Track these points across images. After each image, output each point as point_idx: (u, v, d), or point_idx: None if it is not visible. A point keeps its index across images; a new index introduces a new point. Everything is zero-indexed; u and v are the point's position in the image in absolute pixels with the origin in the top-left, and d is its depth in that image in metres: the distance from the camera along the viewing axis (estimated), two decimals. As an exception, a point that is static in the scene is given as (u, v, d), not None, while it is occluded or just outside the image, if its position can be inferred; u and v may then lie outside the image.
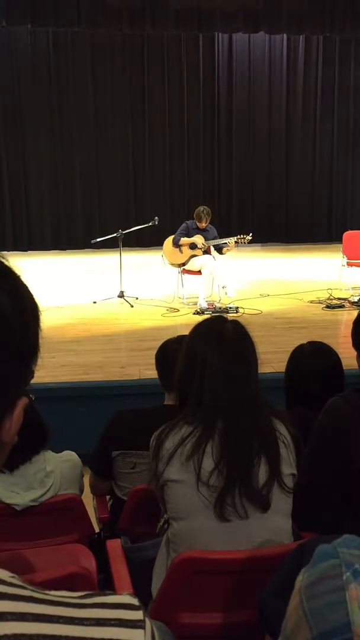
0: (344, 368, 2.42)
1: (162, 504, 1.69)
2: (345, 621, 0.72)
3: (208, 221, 6.88)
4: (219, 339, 1.67)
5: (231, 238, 6.94)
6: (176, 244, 6.88)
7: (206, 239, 6.88)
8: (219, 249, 6.91)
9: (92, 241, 7.43)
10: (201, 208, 6.89)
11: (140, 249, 10.36)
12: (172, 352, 2.34)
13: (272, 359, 3.86)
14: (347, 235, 7.96)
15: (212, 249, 6.95)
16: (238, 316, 6.17)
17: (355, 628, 0.72)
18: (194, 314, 6.36)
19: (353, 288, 7.19)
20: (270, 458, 1.60)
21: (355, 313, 1.99)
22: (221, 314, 1.89)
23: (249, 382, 1.65)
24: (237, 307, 6.43)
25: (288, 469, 1.63)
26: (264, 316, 6.30)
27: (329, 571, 0.77)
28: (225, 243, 6.86)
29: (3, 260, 0.62)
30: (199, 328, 1.76)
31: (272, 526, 1.60)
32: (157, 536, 1.88)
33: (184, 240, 6.85)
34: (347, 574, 0.75)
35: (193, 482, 1.57)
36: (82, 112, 11.21)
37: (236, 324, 1.72)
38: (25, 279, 0.63)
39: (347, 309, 6.57)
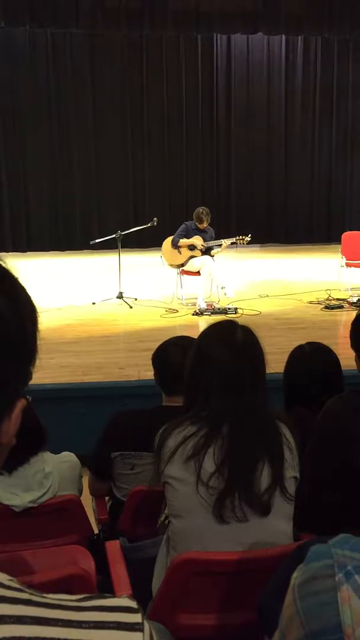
0: (343, 369, 2.42)
1: (164, 501, 1.70)
2: (336, 622, 0.73)
3: (208, 222, 6.89)
4: (229, 344, 1.68)
5: (229, 239, 6.94)
6: (175, 245, 6.88)
7: (204, 240, 6.88)
8: (208, 251, 6.89)
9: (91, 242, 7.44)
10: (200, 209, 6.89)
11: (139, 250, 10.36)
12: (171, 354, 2.34)
13: (271, 360, 3.85)
14: (346, 235, 7.97)
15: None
16: (237, 317, 6.18)
17: (346, 628, 0.73)
18: (193, 314, 6.37)
19: (352, 289, 7.20)
20: (273, 464, 1.59)
21: (354, 314, 2.00)
22: (232, 319, 1.88)
23: (257, 387, 1.66)
24: (236, 308, 6.43)
25: (291, 472, 1.63)
26: (263, 317, 6.30)
27: (321, 571, 0.77)
28: (220, 245, 6.86)
29: (0, 262, 0.61)
30: (210, 331, 1.77)
31: (272, 529, 1.59)
32: (156, 534, 1.88)
33: (183, 241, 6.85)
34: (339, 575, 0.76)
35: (193, 481, 1.57)
36: (81, 113, 11.21)
37: (246, 329, 1.73)
38: (24, 280, 0.63)
39: (346, 309, 6.58)
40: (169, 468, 1.61)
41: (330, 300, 6.89)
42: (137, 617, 0.56)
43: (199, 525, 1.58)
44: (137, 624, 0.55)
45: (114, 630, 0.54)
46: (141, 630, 0.55)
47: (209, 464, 1.57)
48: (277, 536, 1.60)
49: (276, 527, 1.60)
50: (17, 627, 0.50)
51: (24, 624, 0.51)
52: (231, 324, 1.76)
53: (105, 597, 0.57)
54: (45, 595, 0.55)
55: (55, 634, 0.51)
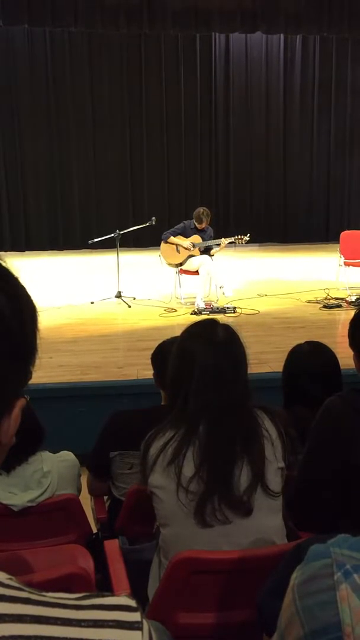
0: (342, 368, 2.42)
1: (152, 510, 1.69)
2: (336, 620, 0.74)
3: (208, 223, 6.88)
4: (209, 342, 1.67)
5: (227, 238, 6.94)
6: (164, 240, 6.87)
7: (203, 239, 6.88)
8: (207, 251, 6.89)
9: (90, 241, 7.43)
10: (201, 210, 6.88)
11: (137, 249, 10.36)
12: (170, 353, 2.34)
13: (270, 359, 3.86)
14: (345, 235, 7.96)
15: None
16: (236, 316, 6.18)
17: (345, 627, 0.73)
18: (192, 314, 6.37)
19: (350, 288, 7.20)
20: (253, 463, 1.58)
21: (352, 313, 1.99)
22: (213, 317, 1.87)
23: (237, 384, 1.64)
24: (235, 307, 6.43)
25: (274, 465, 1.63)
26: (261, 316, 6.30)
27: (320, 570, 0.78)
28: (219, 244, 6.86)
29: (1, 262, 0.62)
30: (189, 330, 1.76)
31: (257, 527, 1.59)
32: (154, 536, 1.88)
33: (173, 239, 6.84)
34: (338, 574, 0.76)
35: (174, 488, 1.56)
36: (79, 112, 11.21)
37: (227, 327, 1.72)
38: (23, 279, 0.63)
39: (345, 308, 6.58)
40: (152, 477, 1.60)
41: (329, 299, 6.89)
42: (136, 616, 0.56)
43: (184, 531, 1.57)
44: (136, 622, 0.55)
45: (113, 629, 0.54)
46: (140, 628, 0.55)
47: (188, 468, 1.56)
48: (266, 533, 1.60)
49: (262, 525, 1.59)
50: (16, 625, 0.51)
51: (24, 623, 0.51)
52: (211, 322, 1.75)
53: (104, 596, 0.57)
54: (44, 593, 0.55)
55: (54, 632, 0.51)
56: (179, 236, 6.87)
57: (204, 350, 1.65)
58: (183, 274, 6.97)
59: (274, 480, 1.62)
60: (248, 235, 7.06)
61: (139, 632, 0.55)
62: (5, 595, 0.52)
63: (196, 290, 6.73)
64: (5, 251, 10.62)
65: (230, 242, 7.02)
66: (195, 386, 1.62)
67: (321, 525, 1.76)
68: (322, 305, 6.68)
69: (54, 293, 7.15)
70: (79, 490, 2.35)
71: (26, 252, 11.08)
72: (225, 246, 6.96)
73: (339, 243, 7.90)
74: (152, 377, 2.54)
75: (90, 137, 11.35)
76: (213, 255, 6.89)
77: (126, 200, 11.59)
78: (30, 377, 0.65)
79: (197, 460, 1.56)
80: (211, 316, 6.06)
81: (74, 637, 0.52)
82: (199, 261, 6.76)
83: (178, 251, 6.89)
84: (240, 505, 1.55)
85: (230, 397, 1.62)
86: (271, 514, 1.62)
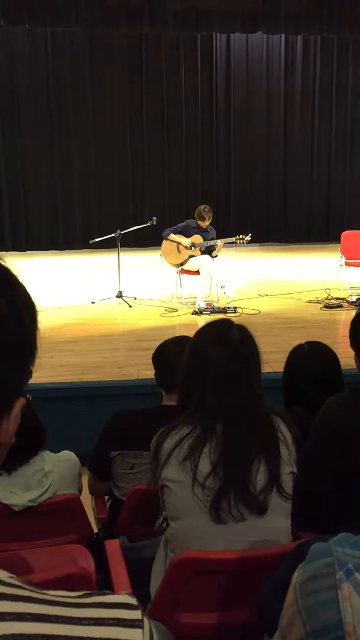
0: (342, 368, 2.42)
1: (162, 503, 1.70)
2: (337, 619, 0.74)
3: (210, 219, 6.85)
4: (224, 341, 1.67)
5: (228, 238, 6.94)
6: (165, 237, 6.86)
7: (205, 239, 6.87)
8: (209, 251, 6.89)
9: (91, 241, 7.43)
10: (202, 207, 6.86)
11: (138, 249, 10.36)
12: (171, 353, 2.35)
13: (271, 359, 3.84)
14: (345, 235, 7.96)
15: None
16: (237, 316, 6.18)
17: (346, 626, 0.73)
18: (193, 314, 6.37)
19: (351, 288, 7.20)
20: (269, 463, 1.59)
21: (353, 313, 2.00)
22: (227, 317, 1.88)
23: (252, 384, 1.65)
24: (236, 307, 6.43)
25: (287, 468, 1.64)
26: (262, 316, 6.30)
27: (322, 569, 0.78)
28: (217, 245, 6.85)
29: (0, 261, 0.62)
30: (204, 330, 1.77)
31: (269, 527, 1.60)
32: (155, 535, 1.88)
33: (173, 237, 6.83)
34: (339, 573, 0.76)
35: (189, 482, 1.57)
36: (80, 111, 11.20)
37: (242, 327, 1.73)
38: (23, 279, 0.63)
39: (345, 308, 6.58)
40: (165, 471, 1.61)
41: (330, 299, 6.89)
42: (136, 614, 0.56)
43: (196, 526, 1.58)
44: (137, 620, 0.55)
45: (114, 627, 0.54)
46: (141, 627, 0.55)
47: (204, 465, 1.57)
48: (276, 534, 1.60)
49: (274, 526, 1.60)
50: (17, 624, 0.51)
51: (25, 621, 0.51)
52: (226, 322, 1.75)
53: (105, 594, 0.57)
54: (45, 592, 0.55)
55: (55, 630, 0.52)
56: (180, 235, 6.86)
57: (219, 351, 1.66)
58: (184, 274, 6.96)
59: (288, 483, 1.63)
60: (249, 235, 7.05)
61: (139, 630, 0.55)
62: (6, 594, 0.53)
63: (197, 290, 6.73)
64: (6, 251, 10.62)
65: (231, 242, 7.01)
66: (210, 386, 1.63)
67: (321, 525, 1.77)
68: (322, 306, 6.68)
69: (55, 293, 7.15)
70: (80, 490, 2.35)
71: (27, 251, 11.07)
72: (225, 246, 6.94)
73: (339, 243, 7.89)
74: (152, 377, 2.54)
75: (91, 136, 11.35)
76: (215, 256, 6.88)
77: (127, 200, 11.59)
78: (30, 377, 0.65)
79: (213, 458, 1.57)
80: (212, 316, 6.07)
81: (75, 635, 0.52)
82: (199, 261, 6.75)
83: (179, 251, 6.88)
84: (256, 504, 1.57)
85: (245, 397, 1.63)
86: (282, 516, 1.63)
